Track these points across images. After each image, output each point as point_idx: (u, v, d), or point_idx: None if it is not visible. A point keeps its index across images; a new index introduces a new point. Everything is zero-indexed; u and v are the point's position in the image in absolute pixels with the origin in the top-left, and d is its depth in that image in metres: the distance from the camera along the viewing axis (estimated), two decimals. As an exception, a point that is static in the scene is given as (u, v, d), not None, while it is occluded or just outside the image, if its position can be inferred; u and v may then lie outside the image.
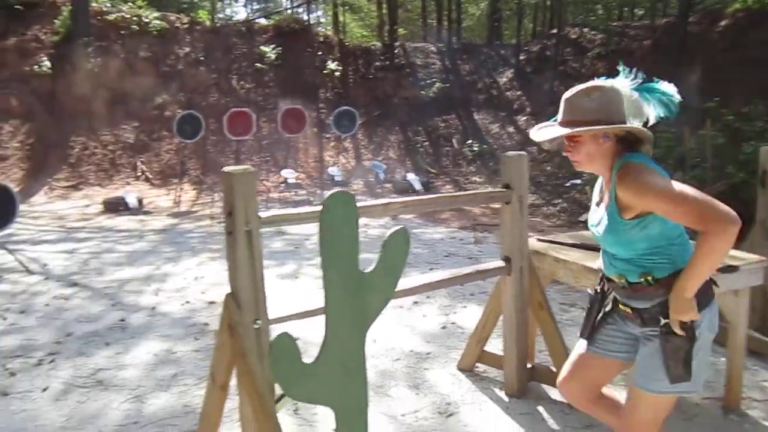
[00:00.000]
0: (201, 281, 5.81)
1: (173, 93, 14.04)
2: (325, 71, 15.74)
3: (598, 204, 2.20)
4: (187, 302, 5.16)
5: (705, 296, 2.01)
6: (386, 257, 2.16)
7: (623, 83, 2.12)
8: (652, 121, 2.15)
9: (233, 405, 2.94)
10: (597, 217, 2.17)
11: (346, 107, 12.58)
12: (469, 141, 14.66)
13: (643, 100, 2.13)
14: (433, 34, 21.10)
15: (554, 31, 17.45)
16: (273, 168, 13.16)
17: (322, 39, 17.08)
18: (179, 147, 12.67)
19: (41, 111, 12.81)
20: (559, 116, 2.12)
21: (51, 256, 7.01)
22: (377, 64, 16.79)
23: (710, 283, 2.03)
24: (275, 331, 2.10)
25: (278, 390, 2.30)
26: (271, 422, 2.30)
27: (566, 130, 2.02)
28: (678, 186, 1.90)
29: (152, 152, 13.12)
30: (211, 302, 5.13)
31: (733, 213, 1.81)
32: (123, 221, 9.26)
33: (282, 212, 2.55)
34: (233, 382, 2.47)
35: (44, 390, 3.58)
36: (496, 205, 3.41)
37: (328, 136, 14.39)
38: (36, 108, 12.84)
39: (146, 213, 9.81)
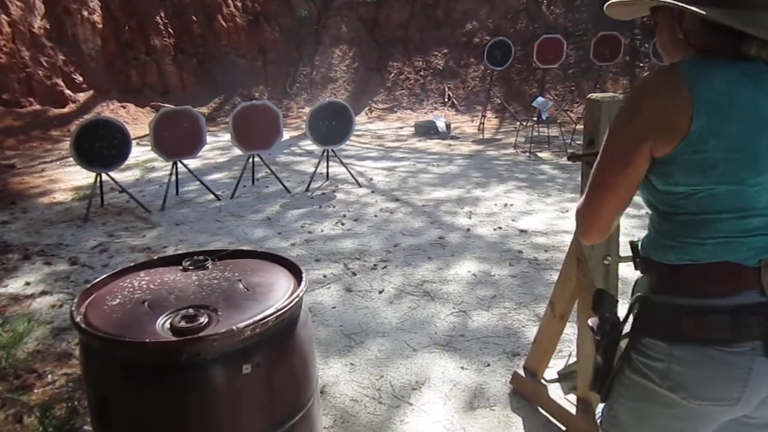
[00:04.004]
0: (510, 209, 5.90)
1: (483, 19, 14.15)
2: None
3: None
4: (499, 228, 5.29)
5: (661, 323, 1.26)
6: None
7: None
8: None
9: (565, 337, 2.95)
10: None
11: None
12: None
13: None
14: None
15: None
16: (578, 99, 12.64)
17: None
18: (485, 74, 12.83)
19: (365, 37, 14.01)
20: None
21: (374, 171, 7.76)
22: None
23: (689, 317, 1.21)
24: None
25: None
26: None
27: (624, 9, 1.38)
28: (622, 143, 1.24)
29: (459, 79, 13.53)
30: (523, 231, 5.19)
31: (591, 229, 1.33)
32: (433, 144, 9.80)
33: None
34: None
35: (380, 292, 4.02)
36: None
37: (641, 65, 13.27)
38: (361, 34, 14.07)
39: (453, 138, 10.23)
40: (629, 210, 1.49)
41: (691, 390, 1.22)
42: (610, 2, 1.37)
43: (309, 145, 8.60)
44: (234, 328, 1.53)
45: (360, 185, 6.95)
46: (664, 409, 1.27)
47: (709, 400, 1.22)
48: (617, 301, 1.40)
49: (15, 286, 4.25)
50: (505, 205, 6.04)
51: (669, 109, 1.17)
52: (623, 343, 1.35)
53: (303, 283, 1.82)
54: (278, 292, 1.77)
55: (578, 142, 8.54)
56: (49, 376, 3.04)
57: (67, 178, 7.51)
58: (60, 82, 11.03)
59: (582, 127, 2.35)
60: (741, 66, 1.19)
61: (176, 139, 6.28)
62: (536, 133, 9.33)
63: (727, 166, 1.17)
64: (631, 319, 1.34)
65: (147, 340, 1.54)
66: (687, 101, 1.15)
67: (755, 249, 1.21)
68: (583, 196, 1.33)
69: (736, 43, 1.18)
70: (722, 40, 1.19)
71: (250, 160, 6.95)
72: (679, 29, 1.26)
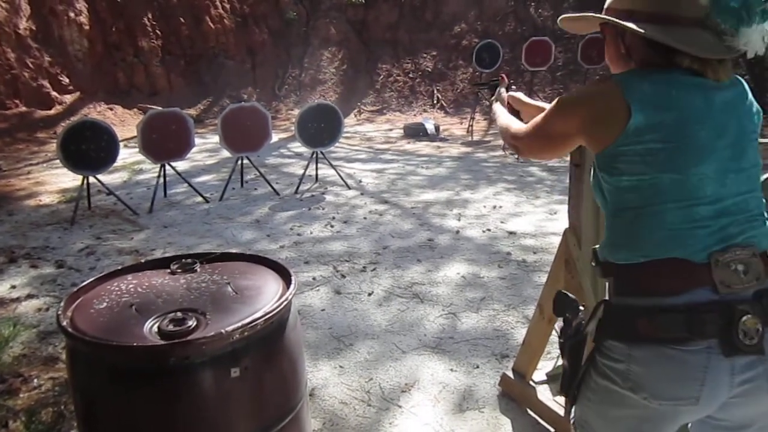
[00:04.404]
0: (499, 211, 5.92)
1: (471, 22, 14.21)
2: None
3: None
4: (488, 230, 5.30)
5: (619, 325, 1.27)
6: None
7: None
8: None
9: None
10: None
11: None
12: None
13: None
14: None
15: None
16: (566, 101, 12.72)
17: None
18: (473, 76, 12.87)
19: (354, 39, 14.02)
20: None
21: (363, 173, 7.76)
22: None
23: (644, 317, 1.23)
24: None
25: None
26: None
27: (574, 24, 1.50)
28: (555, 129, 1.40)
29: (448, 81, 13.57)
30: (511, 232, 5.20)
31: (527, 154, 1.56)
32: (422, 146, 9.81)
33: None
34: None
35: (369, 294, 4.02)
36: None
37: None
38: (350, 36, 14.08)
39: (442, 140, 10.25)
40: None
41: (651, 390, 1.22)
42: (561, 17, 1.50)
43: (298, 147, 8.59)
44: (222, 331, 1.53)
45: (349, 187, 6.95)
46: (628, 410, 1.27)
47: (670, 400, 1.22)
48: (578, 303, 1.40)
49: (0, 289, 4.21)
50: (494, 207, 6.05)
51: (598, 120, 1.29)
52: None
53: (292, 286, 1.81)
54: (267, 294, 1.77)
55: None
56: (35, 380, 3.01)
57: (54, 181, 7.45)
58: (46, 83, 10.94)
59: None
60: (674, 72, 1.27)
61: (164, 141, 6.24)
62: (525, 136, 9.35)
63: (667, 156, 1.22)
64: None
65: (135, 344, 1.53)
66: (622, 104, 1.23)
67: (703, 242, 1.22)
68: (527, 129, 1.49)
69: (671, 56, 1.28)
70: (659, 55, 1.29)
71: (239, 162, 6.93)
72: (622, 44, 1.37)
